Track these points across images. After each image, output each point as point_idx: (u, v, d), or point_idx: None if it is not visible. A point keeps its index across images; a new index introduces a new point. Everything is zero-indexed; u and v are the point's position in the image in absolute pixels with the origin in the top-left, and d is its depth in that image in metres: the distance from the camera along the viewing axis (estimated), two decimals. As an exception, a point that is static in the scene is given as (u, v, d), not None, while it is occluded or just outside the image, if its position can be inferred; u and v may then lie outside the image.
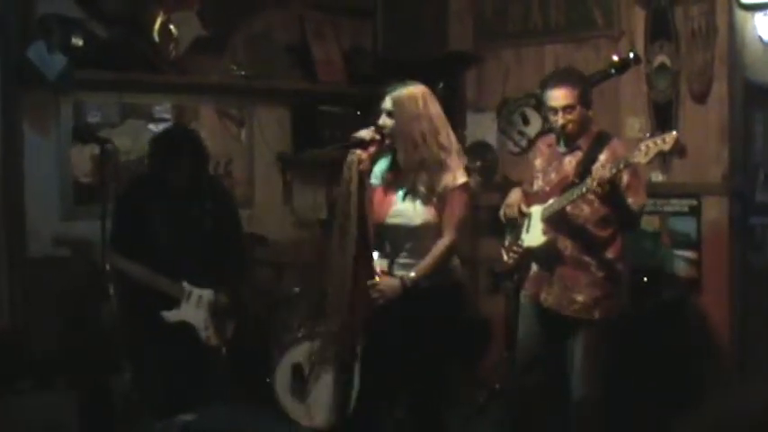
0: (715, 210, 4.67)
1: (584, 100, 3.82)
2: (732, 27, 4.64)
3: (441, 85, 5.87)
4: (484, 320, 5.45)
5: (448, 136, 3.65)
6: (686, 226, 4.73)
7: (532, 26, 5.37)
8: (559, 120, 3.78)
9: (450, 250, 3.65)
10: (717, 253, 4.65)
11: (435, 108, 3.64)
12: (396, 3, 6.08)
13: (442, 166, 3.58)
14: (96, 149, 4.23)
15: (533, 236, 3.89)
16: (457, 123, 5.78)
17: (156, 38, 4.83)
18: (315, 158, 5.44)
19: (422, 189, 3.59)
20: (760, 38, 4.85)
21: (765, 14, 4.81)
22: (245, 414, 4.30)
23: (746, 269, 4.80)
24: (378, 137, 3.59)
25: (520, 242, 3.96)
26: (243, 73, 5.29)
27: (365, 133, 3.60)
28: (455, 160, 3.62)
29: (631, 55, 4.58)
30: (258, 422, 4.27)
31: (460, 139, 5.72)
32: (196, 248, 4.29)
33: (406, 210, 3.63)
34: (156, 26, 4.82)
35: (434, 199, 3.59)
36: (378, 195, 3.70)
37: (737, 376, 4.59)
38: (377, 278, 3.61)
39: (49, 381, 4.13)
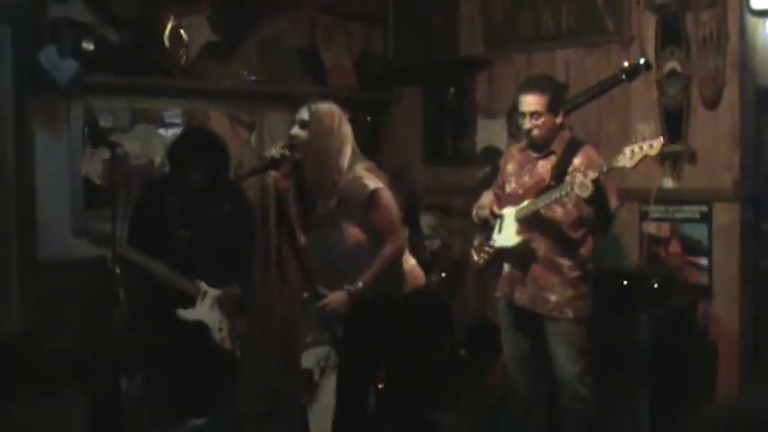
0: (726, 216, 4.65)
1: (552, 107, 3.92)
2: (743, 33, 4.62)
3: (451, 90, 5.90)
4: (492, 325, 5.43)
5: (351, 156, 3.59)
6: (697, 232, 4.72)
7: (543, 31, 5.36)
8: (526, 124, 3.92)
9: (394, 255, 3.65)
10: (728, 259, 4.64)
11: (347, 130, 3.63)
12: (406, 8, 6.08)
13: (333, 188, 3.55)
14: (107, 153, 4.25)
15: (506, 236, 4.01)
16: (468, 129, 5.81)
17: (167, 43, 4.84)
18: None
19: (322, 211, 3.58)
20: (771, 43, 4.84)
21: (776, 20, 4.79)
22: (254, 419, 4.30)
23: (758, 275, 4.78)
24: (288, 152, 3.54)
25: (491, 242, 4.08)
26: (253, 78, 5.29)
27: (274, 151, 3.57)
28: (363, 175, 3.57)
29: (642, 61, 4.57)
30: (268, 428, 4.28)
31: (471, 144, 5.77)
32: (212, 250, 4.28)
33: (331, 234, 3.60)
34: (167, 31, 4.82)
35: (346, 218, 3.56)
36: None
37: (749, 382, 4.57)
38: (325, 296, 3.61)
39: (60, 385, 4.13)
